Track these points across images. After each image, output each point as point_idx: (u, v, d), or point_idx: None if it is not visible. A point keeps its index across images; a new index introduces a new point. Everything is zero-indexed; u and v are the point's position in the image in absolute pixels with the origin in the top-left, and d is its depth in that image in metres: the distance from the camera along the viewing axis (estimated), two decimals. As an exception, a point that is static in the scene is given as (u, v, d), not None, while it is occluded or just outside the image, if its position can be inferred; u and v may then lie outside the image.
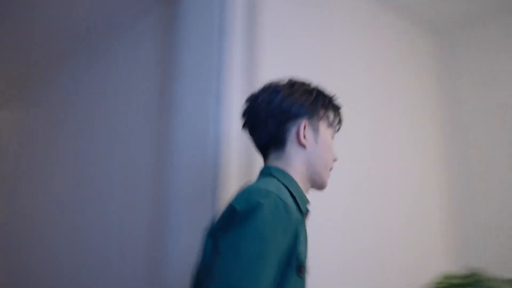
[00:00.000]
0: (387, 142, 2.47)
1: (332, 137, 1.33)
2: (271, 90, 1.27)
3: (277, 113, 1.23)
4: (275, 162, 1.25)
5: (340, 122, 1.35)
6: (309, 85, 1.31)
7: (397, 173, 2.46)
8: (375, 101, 2.45)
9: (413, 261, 2.45)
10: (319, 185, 1.30)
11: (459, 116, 2.82)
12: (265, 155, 1.30)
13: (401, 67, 2.66)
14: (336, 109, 1.34)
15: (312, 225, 1.68)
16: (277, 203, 1.04)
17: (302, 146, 1.25)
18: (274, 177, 1.20)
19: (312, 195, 1.34)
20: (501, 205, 2.60)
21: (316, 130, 1.27)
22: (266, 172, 1.23)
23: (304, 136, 1.25)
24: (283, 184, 1.17)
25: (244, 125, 1.33)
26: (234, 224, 1.02)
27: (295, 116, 1.24)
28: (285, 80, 1.30)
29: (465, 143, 2.77)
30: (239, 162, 1.81)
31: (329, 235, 2.04)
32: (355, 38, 2.39)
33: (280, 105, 1.23)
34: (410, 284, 2.34)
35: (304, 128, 1.25)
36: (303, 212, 1.21)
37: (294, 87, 1.27)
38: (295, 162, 1.24)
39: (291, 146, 1.25)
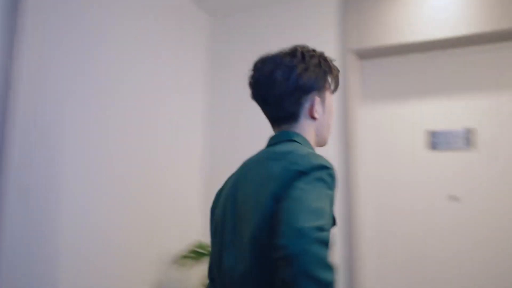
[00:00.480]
0: (154, 114, 2.52)
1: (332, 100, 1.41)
2: (286, 65, 1.30)
3: (293, 90, 1.28)
4: (288, 129, 1.32)
5: (338, 85, 1.42)
6: (315, 54, 1.35)
7: (159, 147, 2.44)
8: (144, 70, 2.46)
9: (170, 230, 2.48)
10: (322, 145, 1.41)
11: (225, 90, 2.99)
12: (274, 123, 1.35)
13: (176, 41, 2.73)
14: (336, 74, 1.40)
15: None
16: (330, 164, 1.16)
17: (314, 118, 1.32)
18: (297, 142, 1.27)
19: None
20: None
21: (323, 101, 1.35)
22: (287, 137, 1.29)
23: (316, 110, 1.32)
24: None
25: (256, 97, 1.35)
26: (308, 176, 1.09)
27: (309, 92, 1.30)
28: (294, 51, 1.33)
29: (224, 119, 2.93)
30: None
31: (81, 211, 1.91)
32: (126, 7, 2.35)
33: (297, 82, 1.28)
34: (168, 251, 2.34)
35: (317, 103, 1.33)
36: None
37: (306, 60, 1.31)
38: (307, 131, 1.33)
39: (304, 119, 1.32)
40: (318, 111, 1.32)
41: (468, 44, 2.60)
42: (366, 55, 2.77)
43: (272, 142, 1.31)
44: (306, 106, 1.31)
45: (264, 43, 2.93)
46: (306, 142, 1.29)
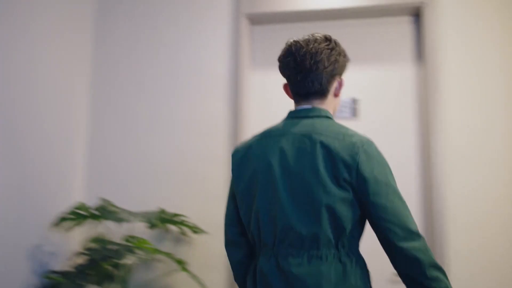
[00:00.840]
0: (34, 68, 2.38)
1: None
2: (328, 49, 1.50)
3: (331, 71, 1.50)
4: (320, 105, 1.54)
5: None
6: (337, 43, 1.56)
7: (39, 101, 2.31)
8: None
9: (49, 191, 2.37)
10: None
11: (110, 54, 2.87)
12: (304, 98, 1.55)
13: (54, 16, 2.54)
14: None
15: None
16: None
17: (336, 96, 1.58)
18: (331, 118, 1.50)
19: None
20: (140, 145, 2.69)
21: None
22: (323, 114, 1.50)
23: (339, 90, 1.58)
24: None
25: (294, 74, 1.52)
26: (374, 157, 1.40)
27: (338, 73, 1.54)
28: (328, 37, 1.53)
29: (111, 77, 2.84)
30: None
31: None
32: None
33: (335, 64, 1.50)
34: (46, 213, 2.24)
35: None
36: None
37: (338, 46, 1.53)
38: (329, 106, 1.56)
39: (330, 96, 1.55)
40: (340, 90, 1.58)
41: (358, 16, 2.67)
42: (259, 20, 2.75)
43: (306, 114, 1.51)
44: (334, 85, 1.55)
45: (154, 6, 2.86)
46: (333, 119, 1.53)
